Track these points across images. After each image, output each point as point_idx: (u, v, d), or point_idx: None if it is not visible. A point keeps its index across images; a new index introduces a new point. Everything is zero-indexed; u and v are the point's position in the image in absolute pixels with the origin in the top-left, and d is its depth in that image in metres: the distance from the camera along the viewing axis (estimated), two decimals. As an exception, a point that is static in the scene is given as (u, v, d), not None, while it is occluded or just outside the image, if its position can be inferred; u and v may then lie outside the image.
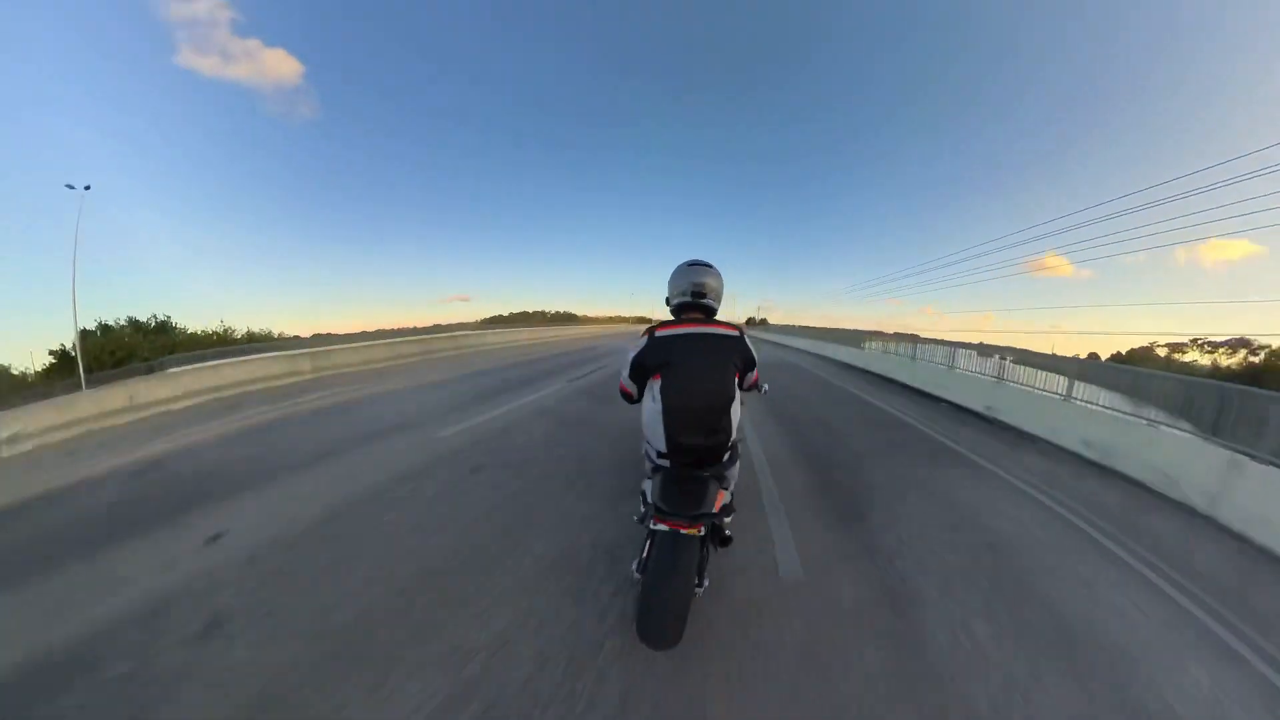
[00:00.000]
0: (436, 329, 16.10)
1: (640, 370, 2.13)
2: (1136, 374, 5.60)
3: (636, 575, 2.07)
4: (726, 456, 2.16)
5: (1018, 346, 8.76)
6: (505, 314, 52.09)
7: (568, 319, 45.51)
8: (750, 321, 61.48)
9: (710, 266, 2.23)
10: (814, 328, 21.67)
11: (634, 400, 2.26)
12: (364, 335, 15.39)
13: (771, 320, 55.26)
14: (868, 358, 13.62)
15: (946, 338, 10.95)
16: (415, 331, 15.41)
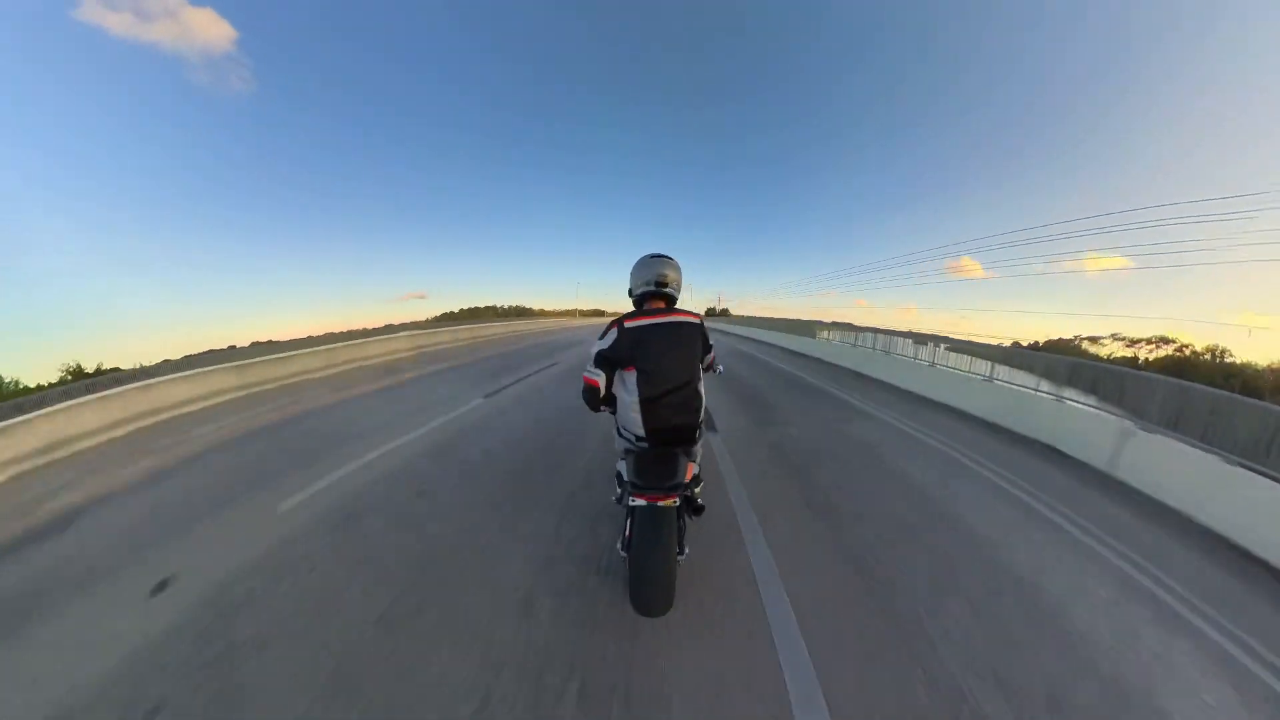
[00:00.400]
0: (389, 329, 15.44)
1: (610, 363, 2.19)
2: (1035, 355, 6.99)
3: (623, 553, 2.21)
4: (696, 433, 2.30)
5: (941, 335, 9.92)
6: (456, 310, 50.68)
7: (520, 314, 44.82)
8: (710, 312, 61.84)
9: (670, 258, 2.35)
10: (777, 319, 22.04)
11: (598, 397, 2.21)
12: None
13: (733, 311, 55.34)
14: (828, 348, 13.70)
15: (880, 326, 11.99)
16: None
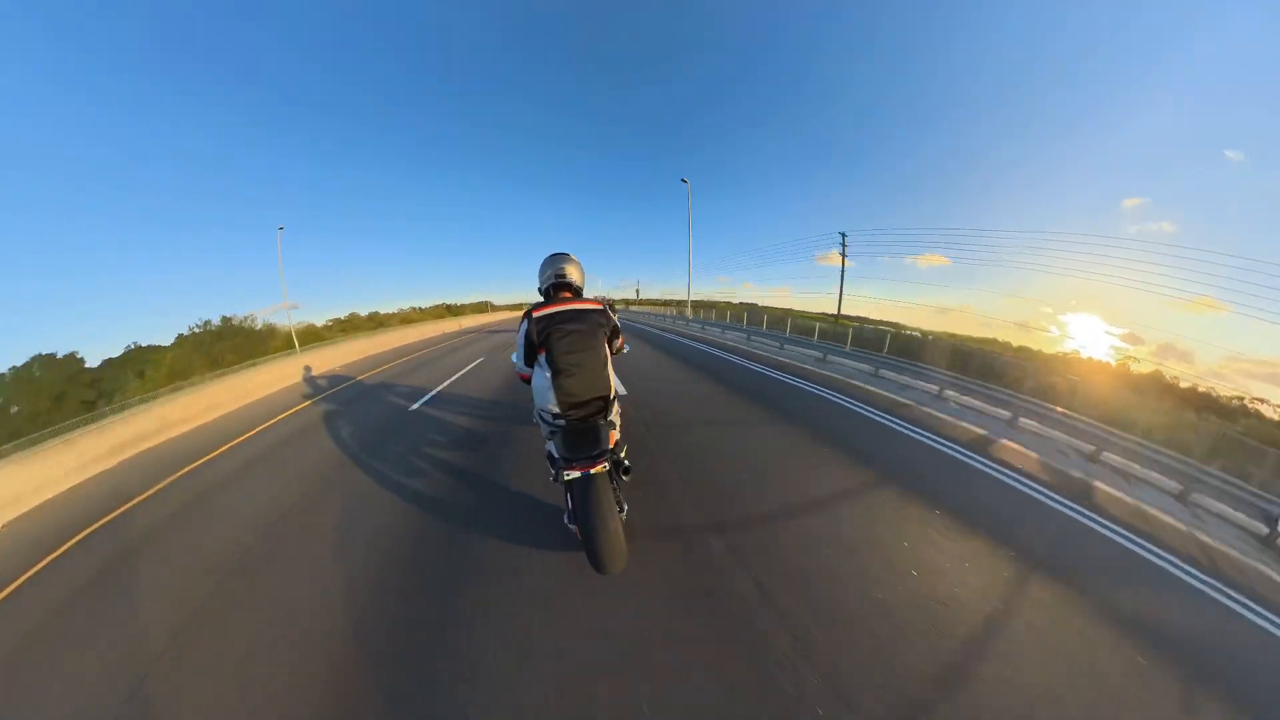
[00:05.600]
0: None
1: (531, 347, 2.45)
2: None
3: (571, 525, 2.52)
4: (612, 405, 2.50)
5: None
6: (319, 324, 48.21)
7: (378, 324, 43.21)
8: (627, 303, 62.47)
9: (569, 255, 2.68)
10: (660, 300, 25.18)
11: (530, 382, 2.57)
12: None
13: (646, 295, 59.36)
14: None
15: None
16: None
